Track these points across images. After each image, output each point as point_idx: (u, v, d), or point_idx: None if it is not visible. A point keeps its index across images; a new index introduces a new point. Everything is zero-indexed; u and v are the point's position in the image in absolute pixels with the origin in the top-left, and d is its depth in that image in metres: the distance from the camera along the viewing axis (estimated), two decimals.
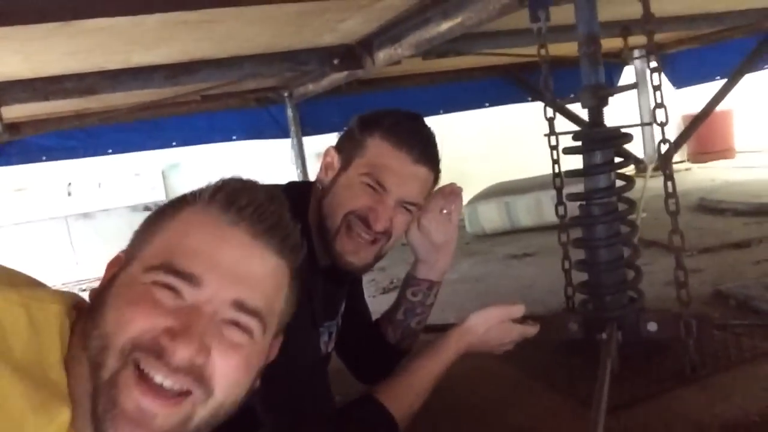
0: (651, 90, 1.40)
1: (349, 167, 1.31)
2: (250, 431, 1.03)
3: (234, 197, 0.72)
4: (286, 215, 0.75)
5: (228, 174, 0.77)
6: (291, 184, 1.45)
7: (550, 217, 3.54)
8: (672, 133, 1.55)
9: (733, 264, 2.34)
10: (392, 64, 2.70)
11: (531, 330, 1.40)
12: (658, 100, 1.36)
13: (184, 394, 0.65)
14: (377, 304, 1.71)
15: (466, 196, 4.01)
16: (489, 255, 3.20)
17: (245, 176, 0.78)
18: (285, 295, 0.75)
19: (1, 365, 0.58)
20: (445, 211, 1.43)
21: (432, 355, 1.29)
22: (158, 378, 0.63)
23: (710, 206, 3.31)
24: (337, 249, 1.29)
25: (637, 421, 1.31)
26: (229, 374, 0.67)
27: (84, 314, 0.69)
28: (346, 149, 1.34)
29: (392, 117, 1.34)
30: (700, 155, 5.60)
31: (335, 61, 2.64)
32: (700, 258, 2.42)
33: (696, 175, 4.90)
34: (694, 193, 3.78)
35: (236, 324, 0.69)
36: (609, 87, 1.58)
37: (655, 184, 1.77)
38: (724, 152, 5.60)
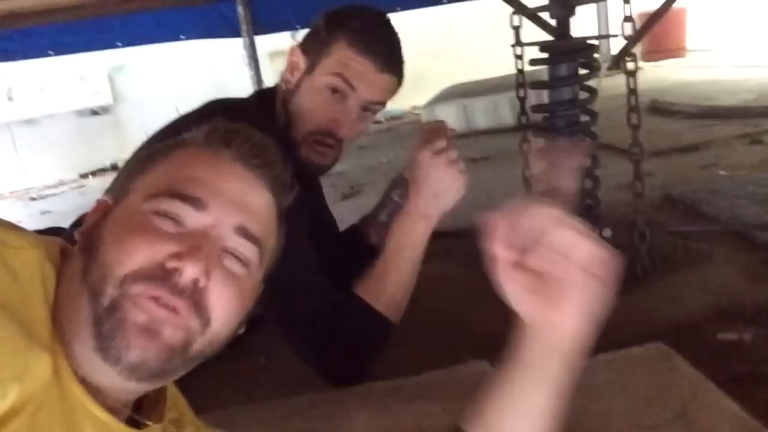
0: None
1: (315, 70, 1.31)
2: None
3: (230, 136, 0.73)
4: (279, 156, 0.75)
5: (220, 118, 0.76)
6: (257, 92, 1.44)
7: (508, 119, 3.61)
8: (629, 29, 1.54)
9: (682, 168, 2.43)
10: None
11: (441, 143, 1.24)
12: (627, 13, 1.36)
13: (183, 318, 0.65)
14: (338, 210, 1.73)
15: (423, 96, 4.00)
16: None
17: (236, 120, 0.76)
18: (275, 235, 0.76)
19: None
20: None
21: (397, 241, 1.27)
22: (162, 301, 0.63)
23: (662, 108, 3.38)
24: (303, 155, 1.33)
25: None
26: (226, 304, 0.67)
27: (73, 255, 0.68)
28: (311, 50, 1.33)
29: (359, 19, 1.32)
30: (652, 53, 5.64)
31: None
32: (651, 161, 2.48)
33: (648, 74, 4.95)
34: (645, 93, 3.82)
35: (235, 254, 0.69)
36: None
37: (608, 83, 1.80)
38: (676, 51, 5.66)
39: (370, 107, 1.33)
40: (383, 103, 1.36)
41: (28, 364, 0.57)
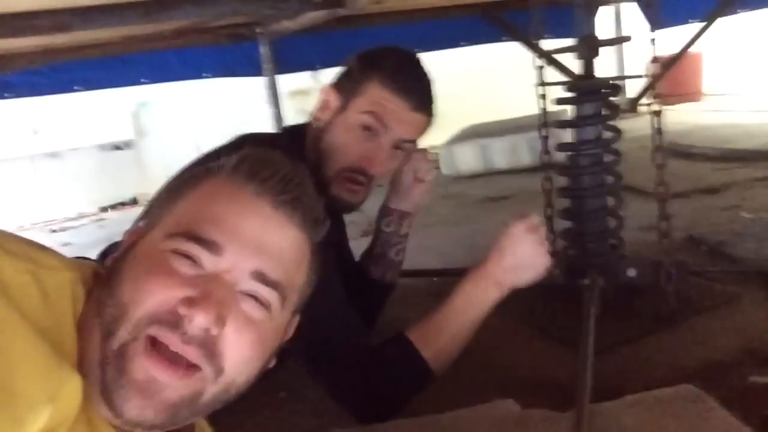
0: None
1: (347, 108, 1.34)
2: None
3: (257, 168, 0.71)
4: (310, 188, 0.74)
5: (251, 147, 0.76)
6: (287, 128, 1.48)
7: (526, 160, 3.62)
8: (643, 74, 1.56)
9: (704, 209, 2.42)
10: (374, 2, 2.65)
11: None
12: (653, 54, 1.38)
13: (194, 367, 0.64)
14: (359, 247, 1.73)
15: (441, 137, 4.02)
16: (465, 198, 3.24)
17: (267, 149, 0.76)
18: (305, 271, 0.74)
19: (20, 322, 0.57)
20: (419, 175, 1.51)
21: (463, 299, 1.25)
22: (171, 348, 0.63)
23: (681, 150, 3.38)
24: (333, 193, 1.35)
25: (620, 364, 1.38)
26: (242, 351, 0.66)
27: (101, 282, 0.68)
28: (344, 89, 1.36)
29: (392, 60, 1.36)
30: (668, 98, 5.66)
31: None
32: (672, 203, 2.45)
33: (665, 118, 4.95)
34: (664, 136, 3.85)
35: (255, 297, 0.68)
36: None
37: (626, 126, 1.80)
38: (692, 95, 5.68)
39: (401, 145, 1.36)
40: (414, 142, 1.38)
41: (60, 386, 0.57)
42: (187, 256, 0.66)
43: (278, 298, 0.69)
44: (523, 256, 1.25)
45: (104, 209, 4.84)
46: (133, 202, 4.85)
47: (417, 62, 1.38)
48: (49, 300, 0.61)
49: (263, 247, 0.68)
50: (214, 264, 0.66)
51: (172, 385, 0.62)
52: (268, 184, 0.70)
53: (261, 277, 0.68)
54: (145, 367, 0.62)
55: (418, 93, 1.33)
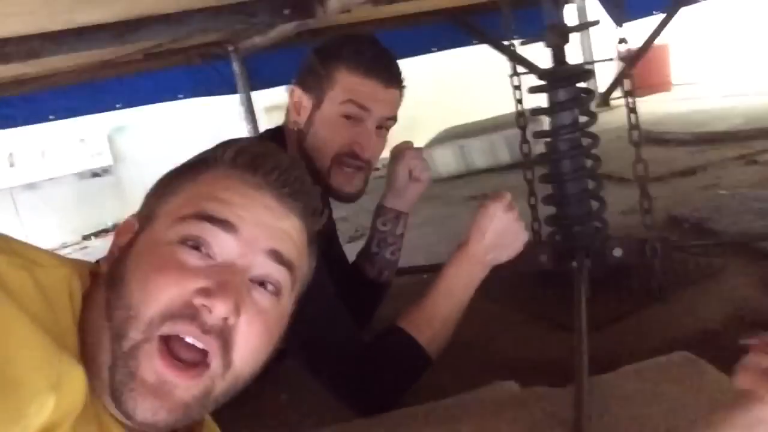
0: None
1: (322, 103, 1.36)
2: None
3: (258, 161, 0.71)
4: (308, 180, 0.75)
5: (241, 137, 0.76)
6: (266, 132, 1.48)
7: (504, 158, 3.66)
8: (612, 69, 1.60)
9: (683, 190, 2.46)
10: (344, 12, 2.68)
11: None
12: (621, 36, 1.41)
13: (204, 366, 0.63)
14: (346, 252, 1.74)
15: (419, 142, 4.06)
16: (448, 198, 3.26)
17: (262, 142, 0.77)
18: (306, 260, 0.75)
19: (19, 313, 0.56)
20: (416, 173, 1.53)
21: (450, 282, 1.27)
22: (189, 339, 0.63)
23: (655, 137, 3.44)
24: (332, 185, 1.37)
25: (614, 340, 1.40)
26: (251, 342, 0.65)
27: (101, 281, 0.67)
28: (312, 87, 1.38)
29: (349, 46, 1.37)
30: (638, 89, 5.75)
31: (286, 12, 2.61)
32: (652, 186, 2.50)
33: (637, 109, 5.04)
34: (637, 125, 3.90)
35: (267, 281, 0.68)
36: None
37: (599, 119, 1.81)
38: (661, 86, 5.78)
39: (384, 124, 1.39)
40: (395, 118, 1.41)
41: (61, 374, 0.56)
42: (196, 248, 0.65)
43: (290, 279, 0.70)
44: (503, 233, 1.28)
45: (87, 237, 4.81)
46: (115, 228, 4.82)
47: (373, 40, 1.40)
48: (46, 296, 0.61)
49: (276, 227, 0.69)
50: (227, 245, 0.66)
51: (183, 386, 0.62)
52: (270, 178, 0.70)
53: (277, 256, 0.68)
54: (156, 369, 0.61)
55: (386, 69, 1.35)
